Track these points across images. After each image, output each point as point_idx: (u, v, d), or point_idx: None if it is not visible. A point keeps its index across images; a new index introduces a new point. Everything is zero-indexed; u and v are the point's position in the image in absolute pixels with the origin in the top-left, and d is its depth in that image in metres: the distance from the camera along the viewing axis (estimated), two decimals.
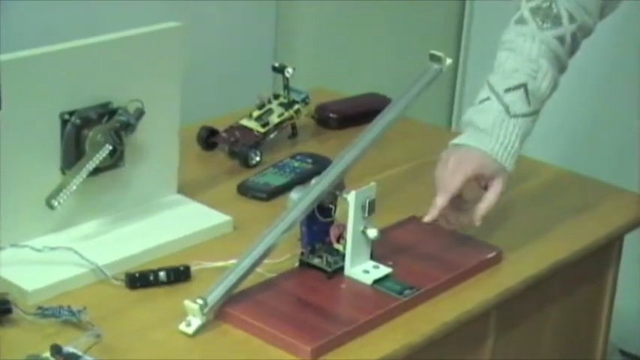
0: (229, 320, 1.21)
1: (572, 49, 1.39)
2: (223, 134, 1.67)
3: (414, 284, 1.29)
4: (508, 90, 1.35)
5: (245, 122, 1.68)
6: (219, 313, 1.21)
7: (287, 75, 1.72)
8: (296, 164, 1.60)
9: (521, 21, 1.39)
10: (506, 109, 1.34)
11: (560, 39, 1.36)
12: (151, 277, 1.27)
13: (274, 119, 1.68)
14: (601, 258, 1.56)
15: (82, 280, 1.26)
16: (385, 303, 1.25)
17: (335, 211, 1.32)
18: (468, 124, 1.36)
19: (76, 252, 1.26)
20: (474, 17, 2.41)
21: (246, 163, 1.62)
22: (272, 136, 1.68)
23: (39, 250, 1.26)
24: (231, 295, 1.23)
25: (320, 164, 1.56)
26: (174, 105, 1.44)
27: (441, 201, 1.33)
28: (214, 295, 1.20)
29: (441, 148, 1.76)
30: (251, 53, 2.00)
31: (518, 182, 1.64)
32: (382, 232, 1.35)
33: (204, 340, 1.19)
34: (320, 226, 1.32)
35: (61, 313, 1.16)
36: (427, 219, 1.33)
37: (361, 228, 1.29)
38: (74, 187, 1.29)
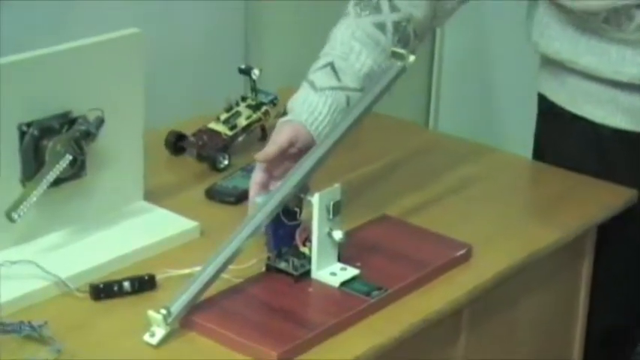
0: (195, 328, 1.20)
1: (403, 38, 1.47)
2: (191, 138, 1.65)
3: (383, 285, 1.28)
4: (316, 70, 1.44)
5: (213, 125, 1.66)
6: (184, 322, 1.20)
7: (254, 77, 1.71)
8: None
9: (344, 15, 1.49)
10: (312, 85, 1.42)
11: (380, 26, 1.45)
12: (115, 288, 1.25)
13: (242, 122, 1.67)
14: (575, 249, 1.55)
15: (44, 294, 1.24)
16: (353, 305, 1.24)
17: (300, 214, 1.31)
18: (288, 110, 1.44)
19: (37, 265, 1.24)
20: None
21: (214, 167, 1.61)
22: (240, 139, 1.66)
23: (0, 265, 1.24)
24: (196, 303, 1.21)
25: None
26: (137, 112, 1.42)
27: (256, 172, 1.39)
28: (178, 304, 1.19)
29: (413, 144, 1.76)
30: (221, 55, 1.98)
31: (485, 176, 1.63)
32: (350, 232, 1.34)
33: (170, 349, 1.17)
34: (286, 229, 1.30)
35: (21, 328, 1.15)
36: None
37: (327, 230, 1.28)
38: (34, 199, 1.27)
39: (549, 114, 1.68)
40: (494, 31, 2.42)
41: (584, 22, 1.52)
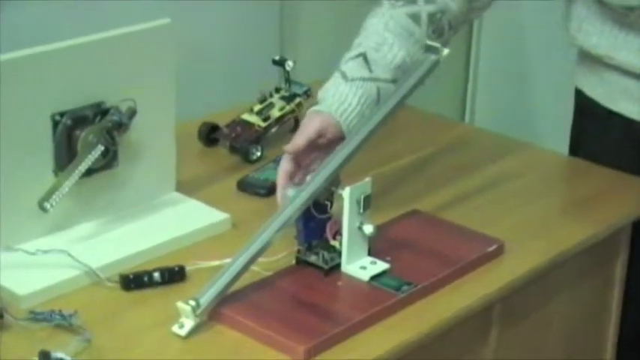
0: (223, 321, 1.20)
1: (438, 30, 1.46)
2: (224, 130, 1.65)
3: (413, 280, 1.27)
4: (348, 60, 1.43)
5: (246, 117, 1.66)
6: (213, 314, 1.20)
7: (287, 68, 1.70)
8: None
9: (377, 4, 1.48)
10: (343, 75, 1.41)
11: (414, 17, 1.44)
12: (145, 279, 1.26)
13: (275, 113, 1.66)
14: (608, 247, 1.53)
15: (75, 283, 1.25)
16: (382, 300, 1.23)
17: (331, 207, 1.30)
18: (319, 100, 1.43)
19: (69, 254, 1.25)
20: None
21: (247, 159, 1.61)
22: (273, 130, 1.66)
23: (32, 254, 1.25)
24: (225, 295, 1.21)
25: None
26: (169, 102, 1.42)
27: (284, 162, 1.37)
28: (207, 296, 1.19)
29: (447, 139, 1.75)
30: (255, 46, 1.98)
31: (520, 172, 1.62)
32: (381, 226, 1.34)
33: (198, 341, 1.17)
34: (317, 222, 1.30)
35: (52, 317, 1.16)
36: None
37: (357, 224, 1.27)
38: (67, 189, 1.28)
39: (586, 109, 1.66)
40: (532, 25, 2.40)
41: (623, 17, 1.50)
